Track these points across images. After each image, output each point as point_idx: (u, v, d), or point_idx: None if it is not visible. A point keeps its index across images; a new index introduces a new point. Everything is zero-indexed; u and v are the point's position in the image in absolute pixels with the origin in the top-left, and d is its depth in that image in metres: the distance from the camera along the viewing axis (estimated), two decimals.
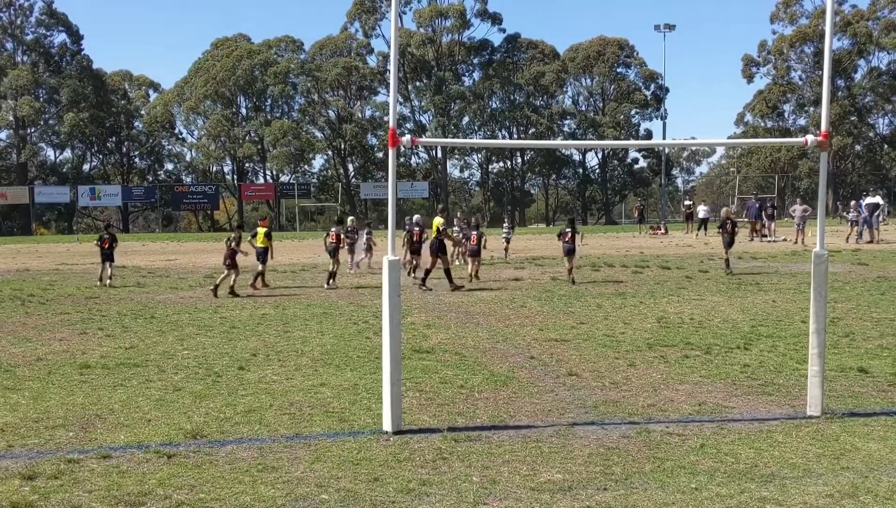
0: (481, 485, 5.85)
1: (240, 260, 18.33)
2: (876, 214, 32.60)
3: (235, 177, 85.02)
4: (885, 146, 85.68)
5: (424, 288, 18.48)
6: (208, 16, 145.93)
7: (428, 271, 19.15)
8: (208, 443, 6.93)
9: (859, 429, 7.11)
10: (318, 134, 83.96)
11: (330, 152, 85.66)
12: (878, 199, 34.05)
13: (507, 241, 28.03)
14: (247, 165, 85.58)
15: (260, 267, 19.21)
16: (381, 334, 7.76)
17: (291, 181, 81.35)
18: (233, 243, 18.22)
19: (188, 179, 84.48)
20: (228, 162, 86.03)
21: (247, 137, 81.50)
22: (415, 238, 21.07)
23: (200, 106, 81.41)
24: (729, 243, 21.28)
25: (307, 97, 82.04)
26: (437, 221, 20.67)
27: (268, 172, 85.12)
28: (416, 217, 23.34)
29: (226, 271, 18.19)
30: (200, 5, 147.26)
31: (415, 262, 21.71)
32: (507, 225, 29.58)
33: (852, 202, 35.73)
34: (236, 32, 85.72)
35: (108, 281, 20.09)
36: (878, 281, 18.27)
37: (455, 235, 24.06)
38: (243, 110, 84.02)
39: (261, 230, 19.35)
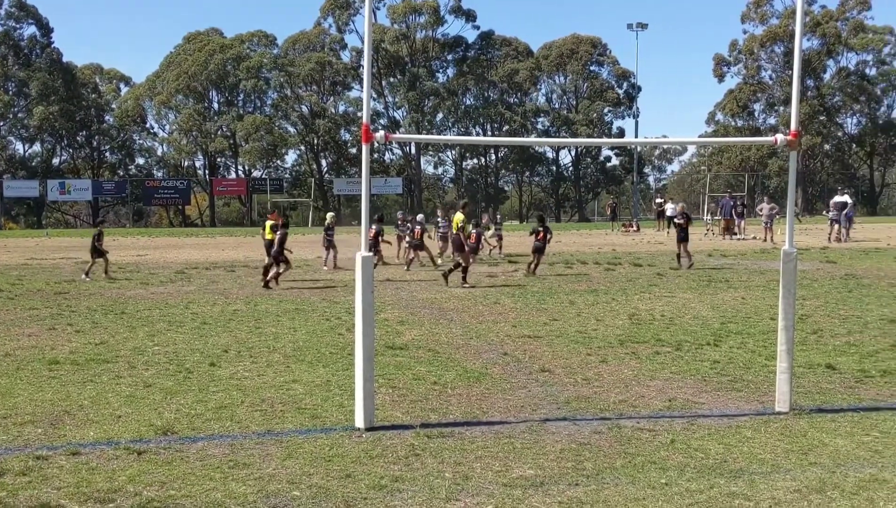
0: (454, 481, 5.86)
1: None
2: (845, 212, 32.94)
3: (207, 172, 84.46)
4: (854, 146, 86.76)
5: (467, 285, 18.08)
6: (180, 9, 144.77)
7: (465, 269, 18.60)
8: (179, 440, 6.89)
9: (827, 425, 7.20)
10: (291, 129, 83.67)
11: (303, 148, 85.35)
12: (846, 198, 34.36)
13: (500, 238, 27.81)
14: (219, 159, 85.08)
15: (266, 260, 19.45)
16: (353, 330, 7.75)
17: (264, 176, 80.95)
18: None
19: (159, 174, 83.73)
20: (200, 157, 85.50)
21: (219, 132, 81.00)
22: (416, 236, 22.13)
23: (172, 100, 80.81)
24: (682, 239, 21.64)
25: (280, 92, 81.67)
26: (458, 217, 19.75)
27: (240, 168, 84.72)
28: (419, 216, 24.11)
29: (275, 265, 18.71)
30: None
31: (413, 258, 22.36)
32: (498, 221, 29.62)
33: (833, 200, 36.13)
34: (209, 27, 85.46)
35: (106, 274, 20.48)
36: (845, 279, 18.51)
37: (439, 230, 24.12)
38: (215, 105, 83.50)
39: (267, 224, 20.16)
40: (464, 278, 18.45)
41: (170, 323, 13.21)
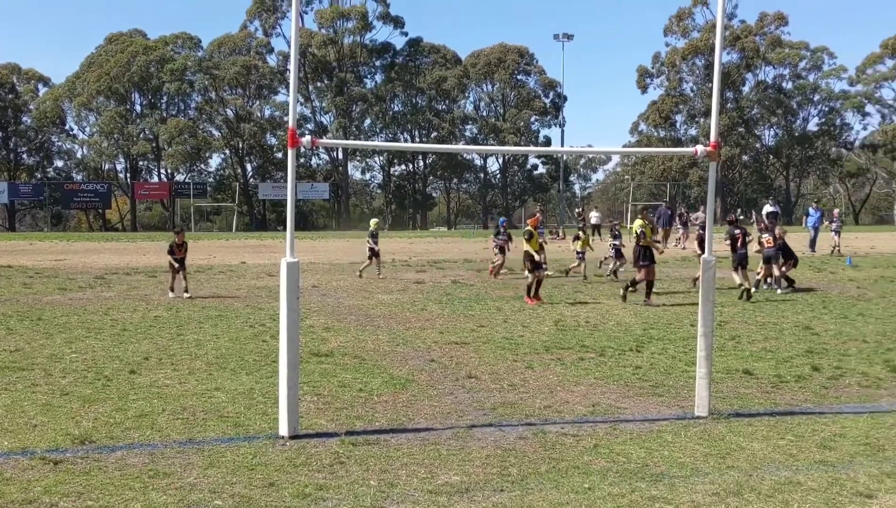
0: (379, 489, 5.84)
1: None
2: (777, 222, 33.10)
3: (129, 175, 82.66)
4: (771, 157, 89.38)
5: (649, 303, 15.99)
6: (102, 10, 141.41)
7: (650, 284, 16.46)
8: (97, 449, 6.71)
9: (744, 429, 7.38)
10: (216, 133, 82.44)
11: (227, 152, 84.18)
12: (776, 208, 34.77)
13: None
14: (141, 163, 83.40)
15: None
16: (278, 337, 7.66)
17: (187, 180, 79.64)
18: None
19: (79, 177, 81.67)
20: (122, 160, 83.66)
21: (141, 135, 79.37)
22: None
23: (93, 102, 78.92)
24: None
25: (204, 95, 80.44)
26: (638, 223, 17.17)
27: (163, 171, 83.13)
28: (502, 220, 24.18)
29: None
30: None
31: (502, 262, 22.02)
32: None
33: (836, 211, 35.22)
34: (132, 28, 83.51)
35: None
36: (761, 286, 18.97)
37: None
38: (138, 107, 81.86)
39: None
40: (647, 295, 16.31)
41: (88, 330, 12.87)
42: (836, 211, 35.65)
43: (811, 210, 34.25)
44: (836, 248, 30.72)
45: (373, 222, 23.58)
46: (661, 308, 15.52)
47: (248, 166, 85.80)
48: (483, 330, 12.94)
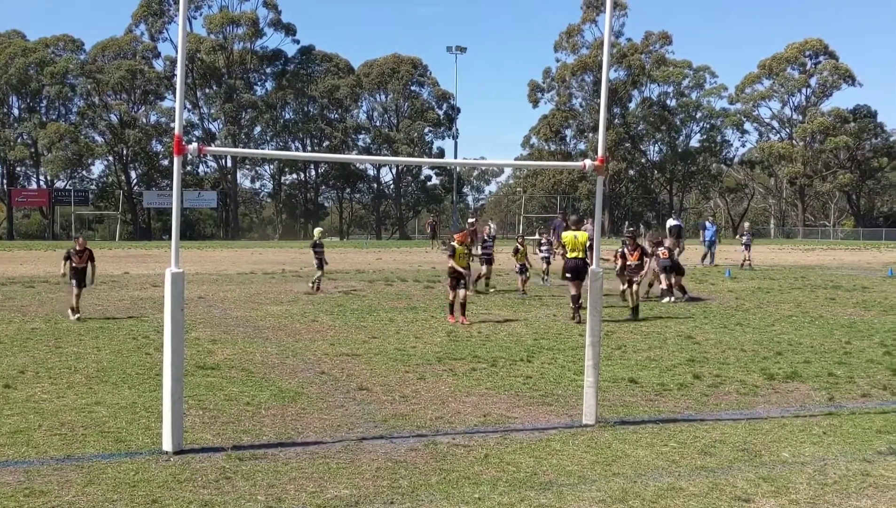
0: (266, 504, 5.72)
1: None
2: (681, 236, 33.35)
3: (5, 181, 79.05)
4: (656, 172, 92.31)
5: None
6: None
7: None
8: None
9: (629, 436, 7.55)
10: (99, 138, 79.68)
11: (111, 158, 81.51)
12: (680, 221, 35.09)
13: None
14: (18, 169, 79.90)
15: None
16: (162, 349, 7.43)
17: (68, 187, 76.74)
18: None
19: None
20: None
21: (19, 140, 76.08)
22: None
23: None
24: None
25: (87, 100, 77.71)
26: (582, 235, 15.84)
27: (42, 178, 79.88)
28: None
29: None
30: None
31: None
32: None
33: (745, 225, 34.99)
34: (9, 28, 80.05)
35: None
36: (649, 297, 19.53)
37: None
38: (15, 111, 78.53)
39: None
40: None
41: None
42: (745, 225, 35.87)
43: (707, 224, 34.80)
44: (747, 261, 30.76)
45: (317, 231, 22.68)
46: (551, 319, 15.77)
47: (133, 174, 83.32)
48: (375, 341, 12.88)
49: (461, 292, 15.29)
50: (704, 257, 32.72)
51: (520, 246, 21.30)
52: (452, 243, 15.84)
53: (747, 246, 31.49)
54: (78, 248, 15.65)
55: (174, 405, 6.89)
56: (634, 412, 8.52)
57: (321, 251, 20.93)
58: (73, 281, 15.33)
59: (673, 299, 19.14)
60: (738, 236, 33.12)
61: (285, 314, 16.14)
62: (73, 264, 15.51)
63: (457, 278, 15.32)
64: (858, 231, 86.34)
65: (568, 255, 15.81)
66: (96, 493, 5.87)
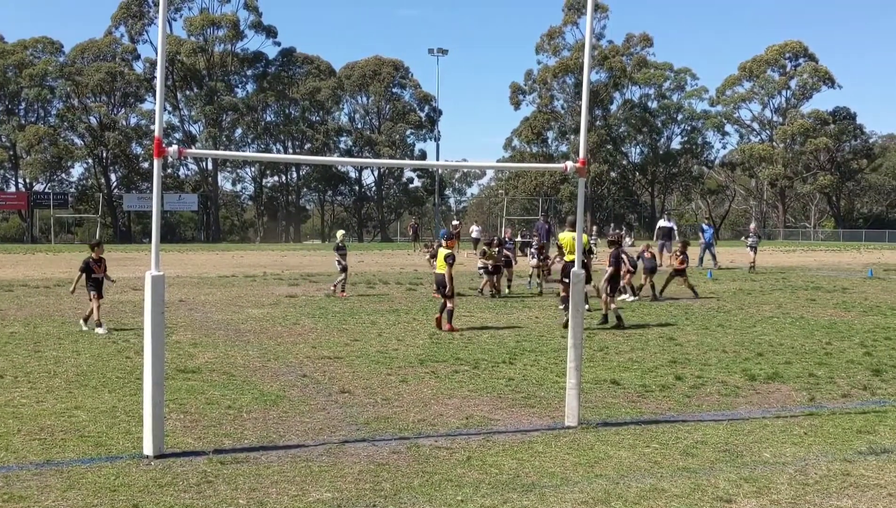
0: None
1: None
2: (671, 237, 32.70)
3: None
4: (637, 173, 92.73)
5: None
6: None
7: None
8: None
9: (611, 438, 7.56)
10: (78, 141, 79.22)
11: (90, 161, 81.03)
12: (671, 223, 34.74)
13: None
14: None
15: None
16: (142, 353, 7.37)
17: (47, 190, 76.22)
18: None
19: None
20: None
21: None
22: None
23: None
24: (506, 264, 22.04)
25: (66, 102, 77.22)
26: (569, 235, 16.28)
27: (20, 180, 79.21)
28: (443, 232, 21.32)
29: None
30: None
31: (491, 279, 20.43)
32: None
33: (752, 226, 34.30)
34: None
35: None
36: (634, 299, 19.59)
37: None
38: None
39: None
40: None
41: None
42: (752, 225, 34.76)
43: (704, 226, 34.20)
44: (752, 264, 30.20)
45: (339, 233, 22.36)
46: (533, 320, 15.78)
47: (113, 176, 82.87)
48: (357, 344, 12.84)
49: (447, 302, 14.60)
50: (702, 259, 32.09)
51: (486, 249, 21.12)
52: (451, 252, 14.92)
53: (753, 248, 30.63)
54: (96, 256, 14.48)
55: (155, 409, 6.84)
56: (617, 413, 8.53)
57: (344, 254, 20.72)
58: (93, 292, 14.17)
59: (635, 298, 19.30)
60: (743, 239, 32.24)
61: (267, 317, 16.07)
62: (94, 275, 14.35)
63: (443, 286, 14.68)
64: (839, 232, 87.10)
65: (566, 257, 15.73)
66: (76, 498, 5.82)
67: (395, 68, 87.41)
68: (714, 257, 32.03)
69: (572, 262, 14.33)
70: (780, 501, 5.96)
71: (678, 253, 20.69)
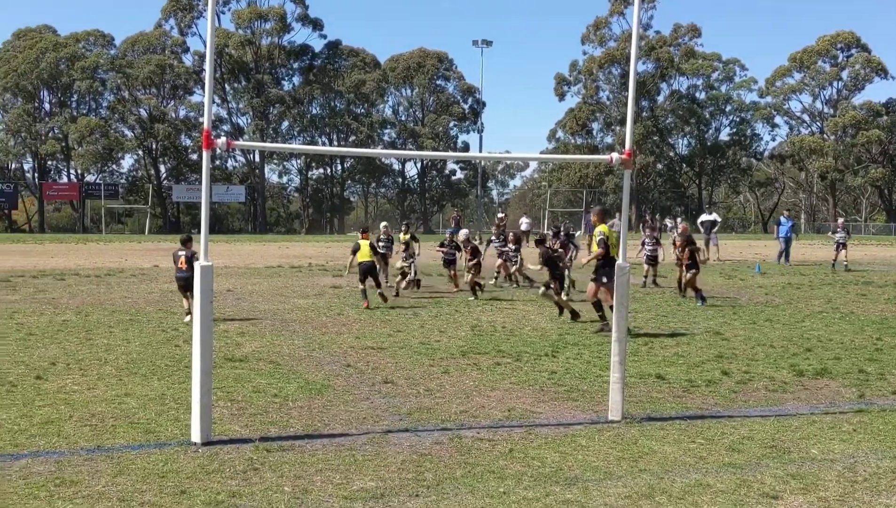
0: (293, 495, 5.76)
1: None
2: (714, 230, 32.33)
3: (37, 175, 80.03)
4: (684, 165, 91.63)
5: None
6: (10, 5, 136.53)
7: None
8: (0, 457, 6.46)
9: (656, 433, 7.52)
10: (128, 133, 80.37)
11: (140, 152, 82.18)
12: (714, 216, 33.97)
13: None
14: (49, 163, 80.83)
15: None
16: (191, 341, 7.50)
17: (98, 181, 77.53)
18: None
19: None
20: (29, 159, 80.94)
21: (50, 134, 76.95)
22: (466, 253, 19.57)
23: None
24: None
25: (117, 94, 78.35)
26: (600, 229, 13.93)
27: (72, 171, 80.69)
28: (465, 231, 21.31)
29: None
30: None
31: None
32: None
33: (840, 221, 31.39)
34: (41, 23, 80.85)
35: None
36: (674, 293, 19.44)
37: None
38: (47, 105, 79.43)
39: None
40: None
41: None
42: (840, 221, 31.81)
43: (782, 219, 31.78)
44: (840, 260, 28.18)
45: (382, 225, 22.39)
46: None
47: (162, 168, 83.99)
48: (400, 335, 12.91)
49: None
50: (781, 254, 30.40)
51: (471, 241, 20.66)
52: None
53: (843, 244, 28.40)
54: (188, 253, 14.22)
55: (203, 397, 6.95)
56: (661, 408, 8.48)
57: (389, 247, 20.77)
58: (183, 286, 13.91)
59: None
60: (830, 234, 30.03)
61: (312, 308, 16.22)
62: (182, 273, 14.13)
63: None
64: (890, 226, 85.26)
65: (611, 253, 13.49)
66: (126, 483, 5.94)
67: (440, 60, 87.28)
68: (787, 254, 30.25)
69: (609, 256, 13.15)
70: (828, 498, 5.89)
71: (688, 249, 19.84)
